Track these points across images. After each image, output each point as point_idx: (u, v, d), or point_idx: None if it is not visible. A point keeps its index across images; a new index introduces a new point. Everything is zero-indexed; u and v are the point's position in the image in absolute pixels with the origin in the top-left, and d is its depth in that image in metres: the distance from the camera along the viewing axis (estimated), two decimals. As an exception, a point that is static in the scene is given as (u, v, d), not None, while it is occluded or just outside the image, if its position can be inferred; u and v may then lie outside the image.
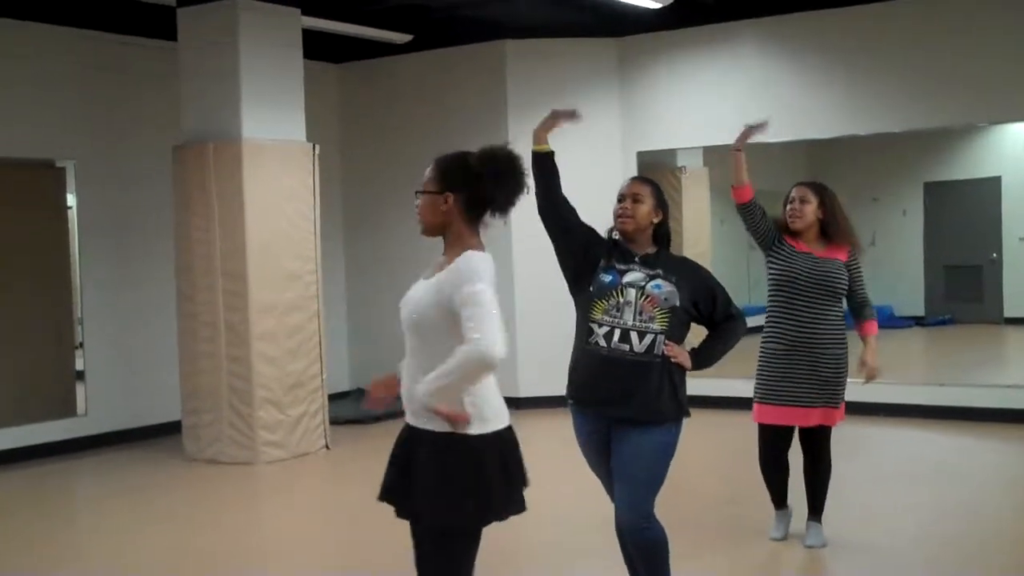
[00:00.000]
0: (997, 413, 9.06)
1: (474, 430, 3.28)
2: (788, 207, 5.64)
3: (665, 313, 4.14)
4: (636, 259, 4.26)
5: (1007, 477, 7.67)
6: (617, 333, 4.12)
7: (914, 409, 9.38)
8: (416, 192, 3.46)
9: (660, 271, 4.22)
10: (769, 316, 5.60)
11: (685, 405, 4.20)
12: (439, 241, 3.46)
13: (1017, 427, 8.85)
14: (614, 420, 4.16)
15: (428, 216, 3.44)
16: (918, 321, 14.08)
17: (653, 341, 4.11)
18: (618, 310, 4.14)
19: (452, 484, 3.28)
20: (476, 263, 3.30)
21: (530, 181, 3.50)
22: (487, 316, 3.18)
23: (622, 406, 4.12)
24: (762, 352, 5.58)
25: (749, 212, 5.64)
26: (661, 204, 4.35)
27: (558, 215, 4.43)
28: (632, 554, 4.23)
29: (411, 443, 3.41)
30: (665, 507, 4.25)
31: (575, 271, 4.33)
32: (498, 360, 3.15)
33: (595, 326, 4.16)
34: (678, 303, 4.18)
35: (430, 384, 3.19)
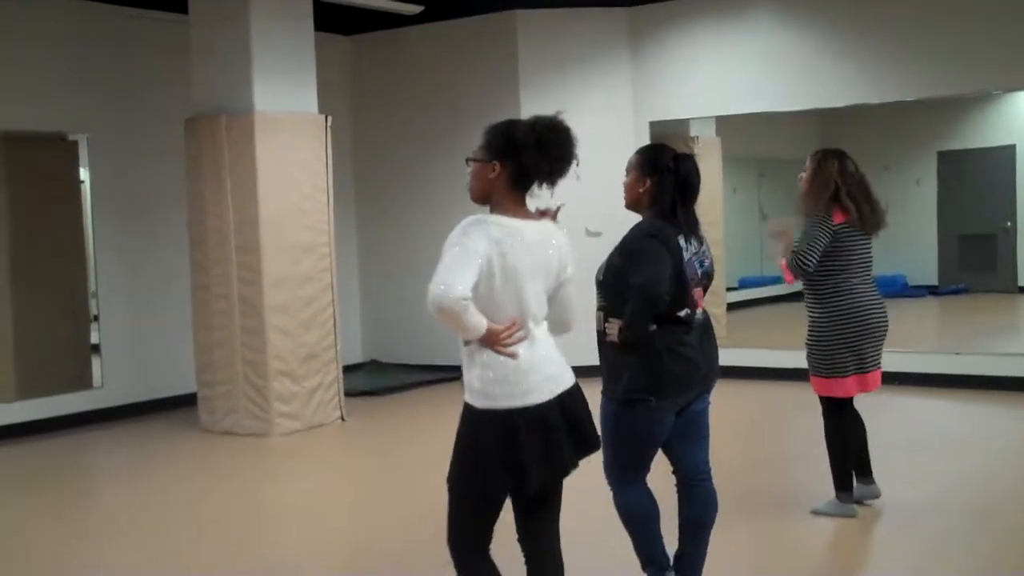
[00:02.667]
0: (1012, 381, 9.05)
1: (479, 404, 3.33)
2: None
3: (600, 289, 4.23)
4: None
5: (1021, 443, 7.67)
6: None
7: (928, 378, 9.38)
8: (466, 160, 3.48)
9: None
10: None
11: (624, 385, 4.11)
12: (452, 212, 3.46)
13: (1031, 395, 8.84)
14: None
15: (476, 184, 3.46)
16: (932, 290, 14.05)
17: (600, 318, 4.20)
18: None
19: (455, 451, 3.39)
20: (462, 223, 3.33)
21: (578, 152, 3.48)
22: (441, 262, 3.24)
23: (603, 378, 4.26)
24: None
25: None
26: (648, 171, 4.26)
27: None
28: None
29: None
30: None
31: None
32: (438, 301, 3.17)
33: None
34: (601, 277, 4.24)
35: None
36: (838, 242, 5.56)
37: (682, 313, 4.15)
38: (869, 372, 5.63)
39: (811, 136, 11.66)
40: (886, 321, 5.70)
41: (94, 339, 9.52)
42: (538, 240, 3.39)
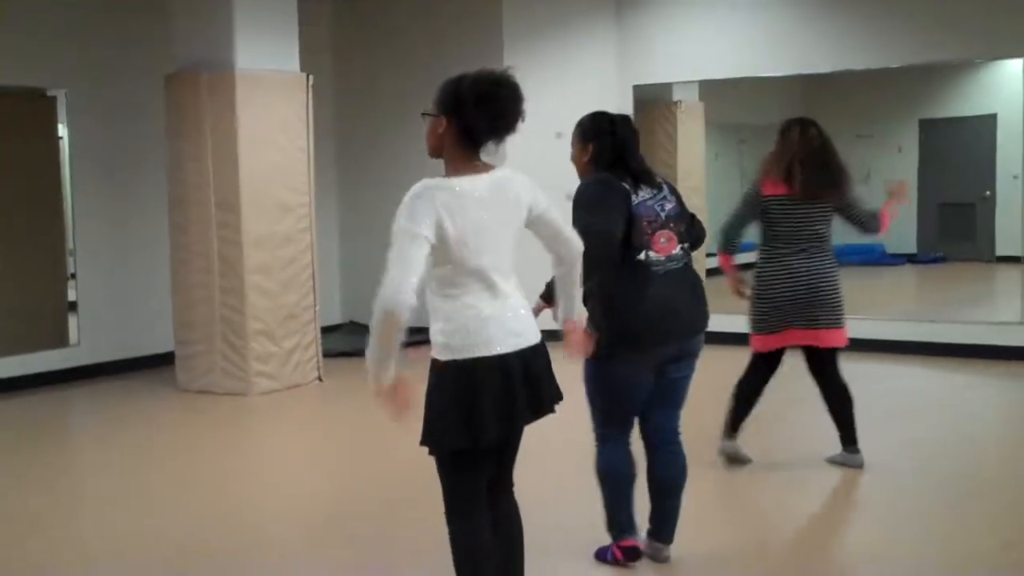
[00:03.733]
0: (988, 349, 9.11)
1: (442, 357, 3.34)
2: None
3: None
4: None
5: (999, 412, 7.75)
6: None
7: (906, 346, 9.43)
8: (422, 114, 3.48)
9: None
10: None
11: (599, 339, 4.16)
12: (432, 173, 3.44)
13: (1008, 363, 8.90)
14: None
15: (428, 139, 3.46)
16: (910, 259, 14.08)
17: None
18: None
19: (423, 408, 3.37)
20: (408, 195, 3.30)
21: (523, 108, 3.46)
22: (391, 258, 3.20)
23: None
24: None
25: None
26: (590, 137, 4.41)
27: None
28: None
29: None
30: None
31: None
32: (392, 306, 3.10)
33: None
34: None
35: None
36: (768, 213, 5.72)
37: (641, 256, 4.19)
38: (775, 333, 5.76)
39: (794, 103, 11.64)
40: (818, 292, 5.72)
41: (71, 297, 9.46)
42: (492, 192, 3.38)
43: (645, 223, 4.22)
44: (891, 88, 12.48)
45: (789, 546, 5.01)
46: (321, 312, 9.12)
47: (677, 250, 4.31)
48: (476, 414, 3.30)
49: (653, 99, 11.07)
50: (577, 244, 3.57)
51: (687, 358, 4.35)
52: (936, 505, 5.41)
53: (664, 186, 4.39)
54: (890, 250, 13.96)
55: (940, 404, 7.84)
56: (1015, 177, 10.67)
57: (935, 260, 13.89)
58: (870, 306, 10.78)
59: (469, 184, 3.34)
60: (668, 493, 4.45)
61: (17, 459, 6.88)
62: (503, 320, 3.36)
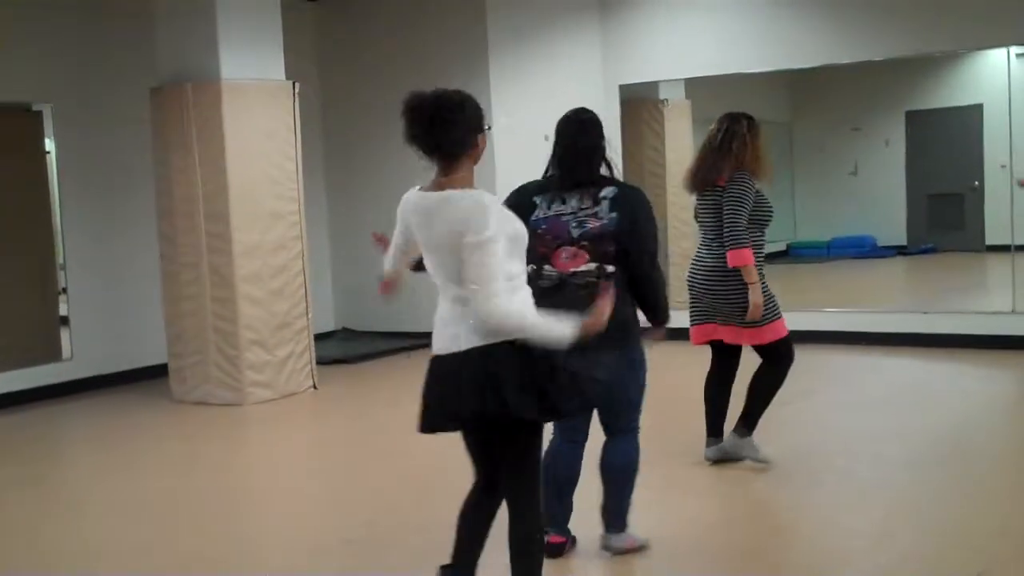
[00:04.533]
0: (980, 339, 9.13)
1: None
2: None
3: None
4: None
5: (991, 402, 7.76)
6: None
7: (898, 337, 9.44)
8: (488, 128, 3.70)
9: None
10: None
11: None
12: (422, 179, 3.55)
13: (999, 353, 8.92)
14: None
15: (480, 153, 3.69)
16: (900, 250, 14.11)
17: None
18: None
19: None
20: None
21: (417, 130, 3.55)
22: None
23: None
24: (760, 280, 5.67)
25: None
26: None
27: None
28: None
29: None
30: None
31: None
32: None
33: None
34: None
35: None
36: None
37: (528, 268, 4.11)
38: (697, 325, 5.84)
39: (781, 98, 11.68)
40: (699, 284, 5.77)
41: (62, 311, 9.44)
42: (428, 213, 3.53)
43: (549, 238, 4.32)
44: (877, 81, 12.52)
45: (777, 539, 5.01)
46: (314, 319, 9.11)
47: (586, 267, 4.29)
48: (424, 403, 3.59)
49: (639, 98, 11.08)
50: (479, 305, 3.41)
51: None
52: (928, 495, 5.42)
53: (605, 201, 4.31)
54: (881, 242, 13.99)
55: (932, 394, 7.85)
56: (1003, 166, 10.69)
57: (925, 251, 13.92)
58: (862, 298, 10.82)
59: (416, 197, 3.62)
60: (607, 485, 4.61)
61: (12, 474, 6.85)
62: (439, 325, 3.57)
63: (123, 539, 5.43)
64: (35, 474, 6.88)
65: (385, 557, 4.84)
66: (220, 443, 7.61)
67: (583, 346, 3.50)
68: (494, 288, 3.36)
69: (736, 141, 5.68)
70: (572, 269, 4.29)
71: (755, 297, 5.56)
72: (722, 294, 5.68)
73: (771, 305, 5.68)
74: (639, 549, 4.63)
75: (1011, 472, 5.83)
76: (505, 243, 3.41)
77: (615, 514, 4.60)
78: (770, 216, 5.74)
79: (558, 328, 3.42)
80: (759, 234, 5.71)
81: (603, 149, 4.47)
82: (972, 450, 6.26)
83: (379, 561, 4.81)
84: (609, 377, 3.83)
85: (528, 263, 3.99)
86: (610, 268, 4.28)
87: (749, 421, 5.82)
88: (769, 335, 5.69)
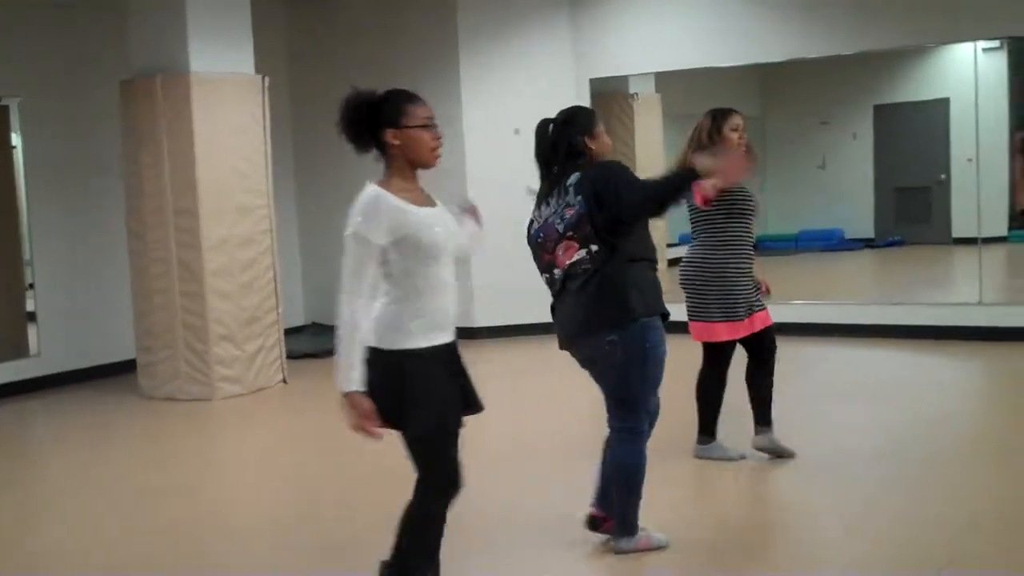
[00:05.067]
0: (947, 331, 9.21)
1: None
2: (735, 134, 5.74)
3: None
4: None
5: (958, 391, 7.83)
6: None
7: (866, 328, 9.51)
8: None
9: None
10: (724, 243, 5.71)
11: None
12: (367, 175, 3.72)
13: (966, 344, 9.00)
14: None
15: None
16: (868, 243, 14.19)
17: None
18: None
19: None
20: None
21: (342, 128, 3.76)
22: None
23: None
24: (720, 276, 5.68)
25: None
26: None
27: None
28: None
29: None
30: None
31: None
32: None
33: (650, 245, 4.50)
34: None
35: None
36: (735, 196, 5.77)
37: (543, 278, 4.50)
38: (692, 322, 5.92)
39: (751, 92, 11.72)
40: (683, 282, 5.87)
41: (29, 307, 9.37)
42: None
43: (549, 243, 4.43)
44: (845, 75, 12.58)
45: (749, 532, 5.04)
46: (284, 314, 9.08)
47: (579, 255, 4.33)
48: None
49: (610, 92, 11.09)
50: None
51: (583, 363, 4.49)
52: (898, 486, 5.46)
53: (571, 188, 4.38)
54: (848, 235, 14.08)
55: (901, 385, 7.90)
56: (969, 160, 10.77)
57: (893, 244, 14.01)
58: (830, 291, 10.88)
59: None
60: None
61: (-20, 472, 6.81)
62: None
63: (91, 536, 5.39)
64: (1, 472, 6.82)
65: (356, 552, 4.84)
66: (190, 439, 7.57)
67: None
68: (342, 285, 3.51)
69: (700, 135, 5.73)
70: (567, 261, 4.34)
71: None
72: (688, 287, 5.76)
73: (714, 306, 5.70)
74: (655, 550, 4.54)
75: (980, 463, 5.88)
76: (361, 246, 3.49)
77: (617, 519, 4.54)
78: (748, 208, 5.72)
79: (352, 365, 3.45)
80: (738, 226, 5.71)
81: (567, 144, 4.47)
82: (941, 441, 6.30)
83: (351, 556, 4.80)
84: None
85: (541, 273, 4.37)
86: (595, 247, 4.30)
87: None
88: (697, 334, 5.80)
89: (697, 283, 5.73)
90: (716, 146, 5.64)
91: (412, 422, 3.53)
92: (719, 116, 5.81)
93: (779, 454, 5.82)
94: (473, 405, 3.74)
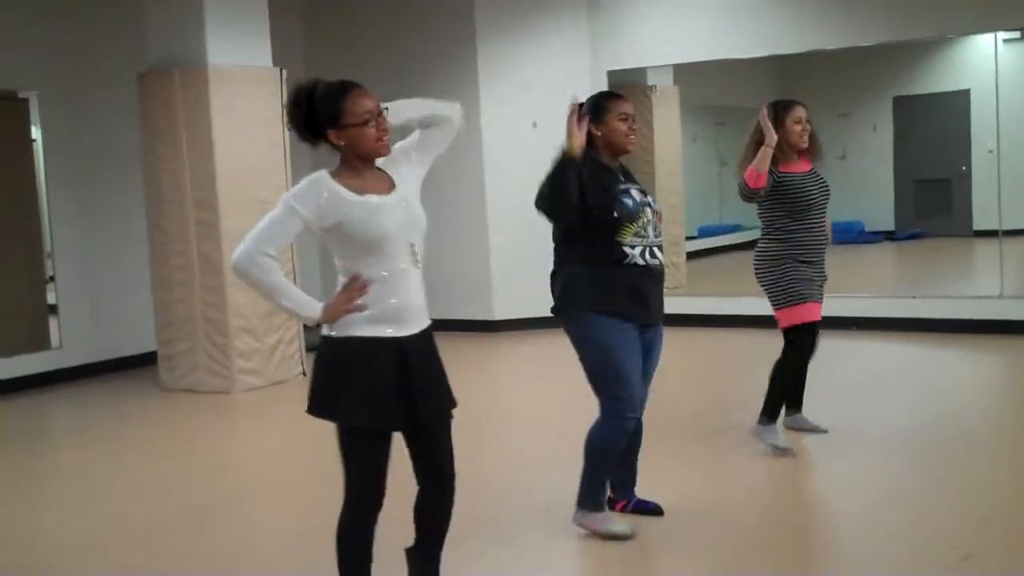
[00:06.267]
0: (967, 324, 9.16)
1: None
2: (798, 127, 5.67)
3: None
4: (622, 176, 4.57)
5: (979, 386, 7.79)
6: (648, 250, 4.44)
7: (886, 322, 9.48)
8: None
9: (639, 185, 4.58)
10: (784, 231, 5.74)
11: None
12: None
13: (986, 337, 8.96)
14: (643, 325, 4.49)
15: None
16: (888, 236, 14.12)
17: (663, 251, 4.55)
18: (645, 230, 4.45)
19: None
20: None
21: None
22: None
23: (658, 313, 4.55)
24: (787, 261, 5.71)
25: (761, 192, 5.63)
26: None
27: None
28: (639, 436, 4.76)
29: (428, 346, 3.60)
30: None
31: (587, 212, 4.41)
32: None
33: (628, 248, 4.40)
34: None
35: None
36: (802, 187, 5.83)
37: None
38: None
39: (769, 84, 11.66)
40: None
41: (50, 299, 9.42)
42: None
43: None
44: (865, 66, 12.52)
45: (764, 521, 5.03)
46: (303, 307, 9.07)
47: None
48: None
49: (628, 84, 11.04)
50: None
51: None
52: (916, 479, 5.44)
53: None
54: (868, 228, 14.01)
55: (920, 379, 7.88)
56: (990, 151, 10.72)
57: (913, 236, 13.95)
58: (849, 284, 10.81)
59: None
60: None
61: (1, 464, 6.84)
62: None
63: (111, 527, 5.42)
64: (23, 463, 6.87)
65: (376, 545, 4.84)
66: (209, 431, 7.60)
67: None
68: (248, 235, 3.57)
69: (756, 131, 5.68)
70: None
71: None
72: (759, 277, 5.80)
73: (785, 291, 5.71)
74: (601, 537, 4.57)
75: (998, 457, 5.85)
76: (287, 213, 3.55)
77: (580, 488, 4.62)
78: (803, 201, 5.69)
79: (299, 299, 3.55)
80: (790, 221, 5.70)
81: None
82: (960, 435, 6.27)
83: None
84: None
85: None
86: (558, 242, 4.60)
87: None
88: (782, 319, 5.79)
89: (767, 274, 5.76)
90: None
91: (343, 414, 3.53)
92: (781, 109, 5.74)
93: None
94: (429, 408, 3.55)
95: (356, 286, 3.44)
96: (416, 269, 3.52)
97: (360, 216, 3.45)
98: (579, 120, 4.29)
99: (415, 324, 3.52)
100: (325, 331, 3.52)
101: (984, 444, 6.12)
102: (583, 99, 4.43)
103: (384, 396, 3.47)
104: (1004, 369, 8.40)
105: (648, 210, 4.49)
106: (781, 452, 5.75)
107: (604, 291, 4.41)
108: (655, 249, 4.47)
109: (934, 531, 4.68)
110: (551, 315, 4.61)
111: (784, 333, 5.83)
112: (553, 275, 4.59)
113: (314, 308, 3.50)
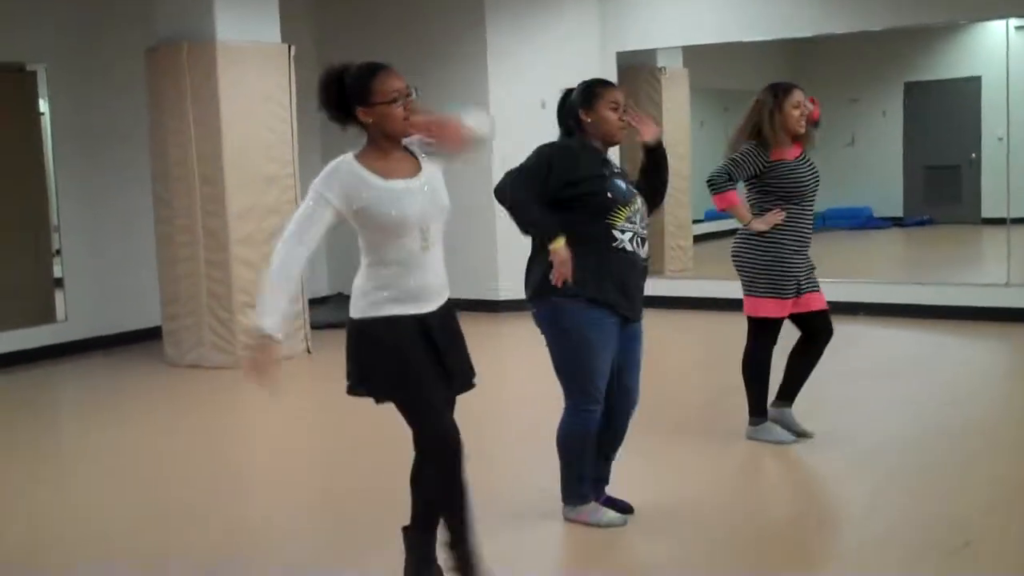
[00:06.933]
0: (974, 311, 9.15)
1: None
2: (796, 111, 5.58)
3: None
4: (610, 164, 4.50)
5: (984, 373, 7.79)
6: (636, 239, 4.39)
7: (893, 308, 9.46)
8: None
9: (626, 177, 4.51)
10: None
11: None
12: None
13: (993, 324, 8.95)
14: (623, 318, 4.40)
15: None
16: (896, 222, 14.09)
17: (648, 245, 4.47)
18: (635, 216, 4.38)
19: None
20: None
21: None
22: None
23: (640, 309, 4.47)
24: (770, 253, 5.60)
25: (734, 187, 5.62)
26: None
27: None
28: (620, 430, 4.62)
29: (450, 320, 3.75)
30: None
31: (571, 193, 4.36)
32: None
33: (618, 232, 4.34)
34: None
35: None
36: (795, 174, 5.71)
37: None
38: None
39: (779, 68, 11.61)
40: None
41: (56, 273, 9.43)
42: None
43: None
44: (875, 51, 12.48)
45: (767, 507, 5.03)
46: (308, 284, 9.09)
47: None
48: None
49: (637, 66, 11.03)
50: None
51: None
52: (919, 466, 5.44)
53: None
54: (877, 214, 13.98)
55: (925, 366, 7.87)
56: (1000, 139, 10.68)
57: (921, 223, 13.91)
58: (857, 270, 10.82)
59: None
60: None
61: (5, 437, 6.86)
62: None
63: (115, 502, 5.44)
64: (28, 437, 6.89)
65: (381, 522, 4.86)
66: (213, 406, 7.62)
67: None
68: (286, 229, 3.60)
69: (760, 110, 5.63)
70: None
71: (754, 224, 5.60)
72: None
73: (767, 281, 5.65)
74: (596, 526, 4.53)
75: (1002, 445, 5.85)
76: (317, 201, 3.57)
77: (561, 484, 4.60)
78: (794, 188, 5.59)
79: (275, 309, 3.64)
80: (793, 207, 5.61)
81: (569, 116, 4.53)
82: (964, 422, 6.27)
83: (376, 526, 4.82)
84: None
85: None
86: None
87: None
88: (747, 308, 5.73)
89: (746, 258, 5.67)
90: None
91: (385, 389, 3.65)
92: (780, 92, 5.59)
93: (791, 430, 5.80)
94: (458, 381, 3.73)
95: None
96: (430, 250, 3.61)
97: (383, 201, 3.54)
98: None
99: (434, 301, 3.65)
100: (352, 313, 3.68)
101: (987, 431, 6.11)
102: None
103: (421, 368, 3.60)
104: (1009, 357, 8.39)
105: (637, 199, 4.42)
106: (792, 439, 5.74)
107: (591, 278, 4.31)
108: (642, 240, 4.42)
109: (935, 518, 4.68)
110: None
111: (749, 322, 5.76)
112: (531, 261, 4.49)
113: (266, 326, 3.61)
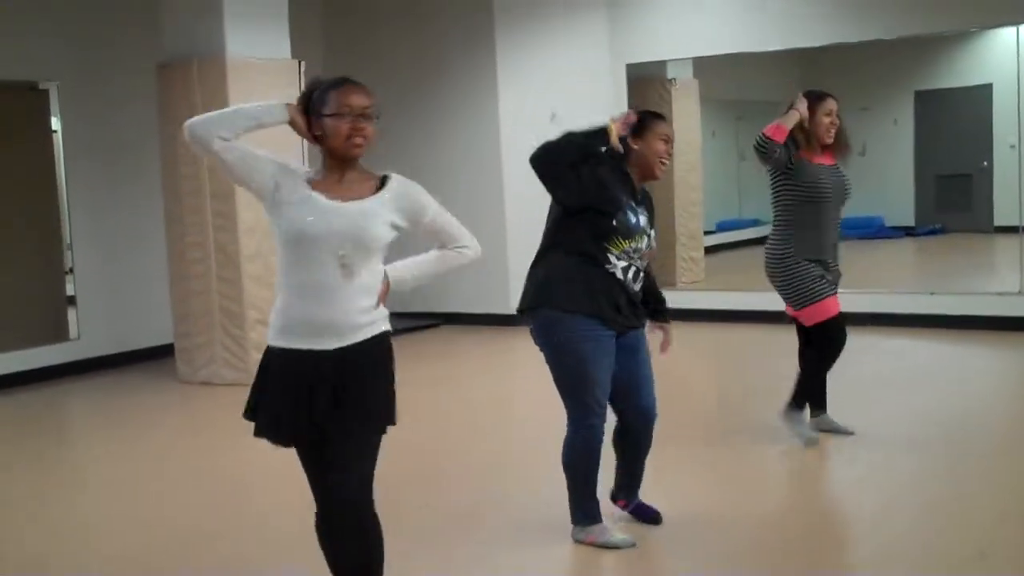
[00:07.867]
0: (987, 320, 9.11)
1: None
2: (827, 119, 5.61)
3: None
4: (638, 197, 4.45)
5: (997, 383, 7.75)
6: (631, 272, 4.38)
7: (905, 318, 9.43)
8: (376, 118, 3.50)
9: (648, 215, 4.47)
10: (793, 226, 5.68)
11: None
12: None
13: (1006, 334, 8.91)
14: (620, 330, 4.41)
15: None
16: (908, 231, 14.07)
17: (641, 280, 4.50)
18: (636, 252, 4.37)
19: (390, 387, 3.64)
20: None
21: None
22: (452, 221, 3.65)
23: (633, 319, 4.46)
24: (794, 259, 5.64)
25: (777, 148, 5.54)
26: None
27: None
28: (643, 444, 4.61)
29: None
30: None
31: (588, 208, 4.34)
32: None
33: (613, 257, 4.33)
34: None
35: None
36: (816, 178, 5.75)
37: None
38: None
39: (790, 78, 11.61)
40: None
41: (69, 290, 9.45)
42: None
43: None
44: (886, 60, 12.46)
45: (777, 518, 5.01)
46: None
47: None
48: None
49: (647, 77, 11.03)
50: None
51: None
52: (931, 477, 5.41)
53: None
54: (888, 223, 13.95)
55: (938, 375, 7.84)
56: (1012, 147, 10.66)
57: (933, 232, 13.88)
58: (869, 279, 10.77)
59: None
60: None
61: (18, 454, 6.87)
62: None
63: (127, 519, 5.44)
64: (41, 454, 6.89)
65: (394, 534, 4.84)
66: (226, 423, 7.61)
67: None
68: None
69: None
70: None
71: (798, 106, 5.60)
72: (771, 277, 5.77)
73: (798, 291, 5.66)
74: (605, 547, 4.48)
75: (1015, 455, 5.81)
76: (267, 158, 3.56)
77: (570, 505, 4.57)
78: (820, 194, 5.63)
79: (251, 112, 3.62)
80: (803, 215, 5.64)
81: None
82: (977, 432, 6.24)
83: (388, 539, 4.80)
84: None
85: None
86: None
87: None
88: (805, 317, 5.75)
89: (781, 278, 5.72)
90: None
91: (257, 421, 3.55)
92: (814, 99, 5.69)
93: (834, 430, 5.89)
94: (339, 425, 3.51)
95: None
96: (351, 280, 3.35)
97: (292, 205, 3.36)
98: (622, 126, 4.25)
99: (335, 340, 3.36)
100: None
101: (1002, 441, 6.08)
102: (634, 118, 4.33)
103: (284, 411, 3.45)
104: (1022, 366, 8.34)
105: (645, 238, 4.39)
106: (807, 442, 5.74)
107: (583, 293, 4.31)
108: (637, 273, 4.40)
109: (949, 527, 4.65)
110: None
111: (814, 331, 5.77)
112: (533, 267, 4.51)
113: (277, 105, 3.44)
